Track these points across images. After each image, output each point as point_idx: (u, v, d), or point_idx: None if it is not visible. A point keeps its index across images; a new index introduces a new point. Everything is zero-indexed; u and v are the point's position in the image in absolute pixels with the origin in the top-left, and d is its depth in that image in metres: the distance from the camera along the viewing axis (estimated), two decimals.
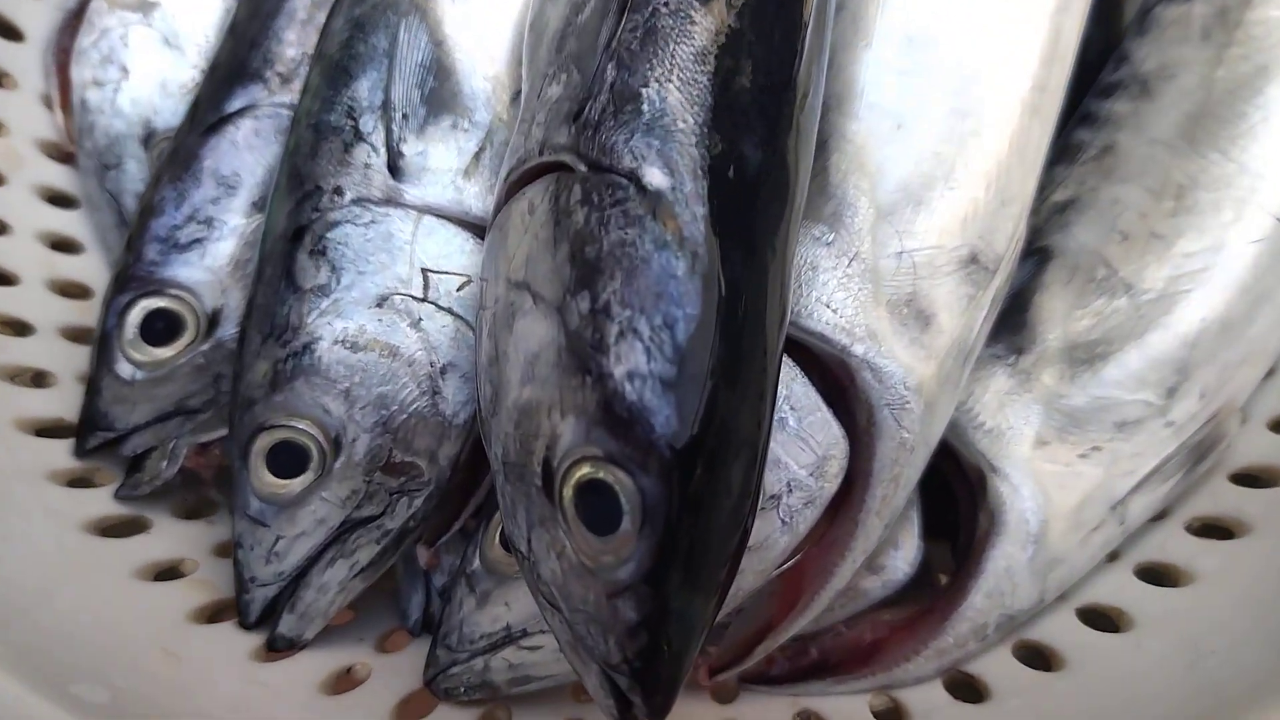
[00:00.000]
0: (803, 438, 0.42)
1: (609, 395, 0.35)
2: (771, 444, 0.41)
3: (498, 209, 0.43)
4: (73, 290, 0.60)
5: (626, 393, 0.35)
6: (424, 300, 0.47)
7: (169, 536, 0.52)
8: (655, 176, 0.38)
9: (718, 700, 0.50)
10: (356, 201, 0.47)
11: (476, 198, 0.49)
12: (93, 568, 0.48)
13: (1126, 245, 0.50)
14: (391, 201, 0.47)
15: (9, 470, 0.50)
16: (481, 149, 0.49)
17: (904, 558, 0.49)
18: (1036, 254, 0.52)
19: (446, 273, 0.47)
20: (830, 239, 0.44)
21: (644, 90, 0.39)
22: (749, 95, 0.40)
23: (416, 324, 0.46)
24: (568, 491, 0.36)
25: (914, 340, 0.44)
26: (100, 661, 0.42)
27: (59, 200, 0.63)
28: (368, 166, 0.48)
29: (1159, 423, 0.49)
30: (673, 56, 0.40)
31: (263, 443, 0.46)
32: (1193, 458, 0.50)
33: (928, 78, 0.46)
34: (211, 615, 0.49)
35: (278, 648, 0.48)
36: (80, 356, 0.56)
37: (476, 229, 0.48)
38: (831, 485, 0.43)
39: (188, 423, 0.53)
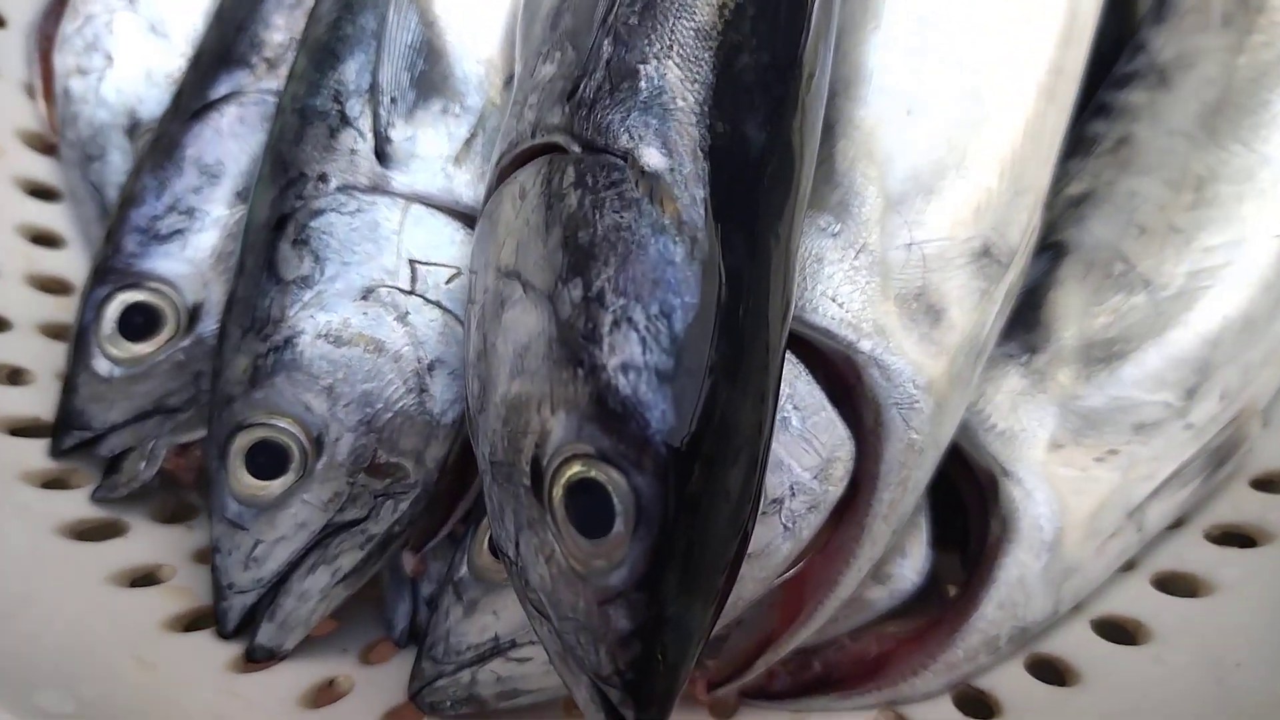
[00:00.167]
0: (807, 438, 0.41)
1: (602, 389, 0.34)
2: (774, 445, 0.40)
3: (488, 195, 0.41)
4: (53, 285, 0.59)
5: (620, 386, 0.34)
6: (411, 293, 0.45)
7: (147, 541, 0.51)
8: (653, 157, 0.37)
9: (716, 716, 0.48)
10: (342, 189, 0.46)
11: (467, 186, 0.47)
12: (66, 572, 0.46)
13: (1145, 240, 0.49)
14: (378, 189, 0.46)
15: None
16: (473, 135, 0.48)
17: (912, 566, 0.47)
18: (1051, 249, 0.50)
19: (435, 264, 0.45)
20: (837, 229, 0.43)
21: (642, 67, 0.38)
22: (752, 74, 0.38)
23: (403, 318, 0.45)
24: (557, 491, 0.34)
25: (924, 336, 0.42)
26: (69, 670, 0.40)
27: (40, 193, 0.62)
28: (354, 153, 0.46)
29: (1178, 425, 0.47)
30: (672, 32, 0.38)
31: (241, 442, 0.44)
32: (1213, 462, 0.48)
33: (939, 61, 0.45)
34: (189, 624, 0.47)
35: (257, 658, 0.46)
36: (59, 353, 0.54)
37: (467, 219, 0.47)
38: (836, 489, 0.41)
39: (167, 422, 0.51)
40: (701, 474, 0.33)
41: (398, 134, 0.46)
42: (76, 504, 0.50)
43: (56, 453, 0.51)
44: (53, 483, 0.51)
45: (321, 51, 0.48)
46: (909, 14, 0.45)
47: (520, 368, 0.36)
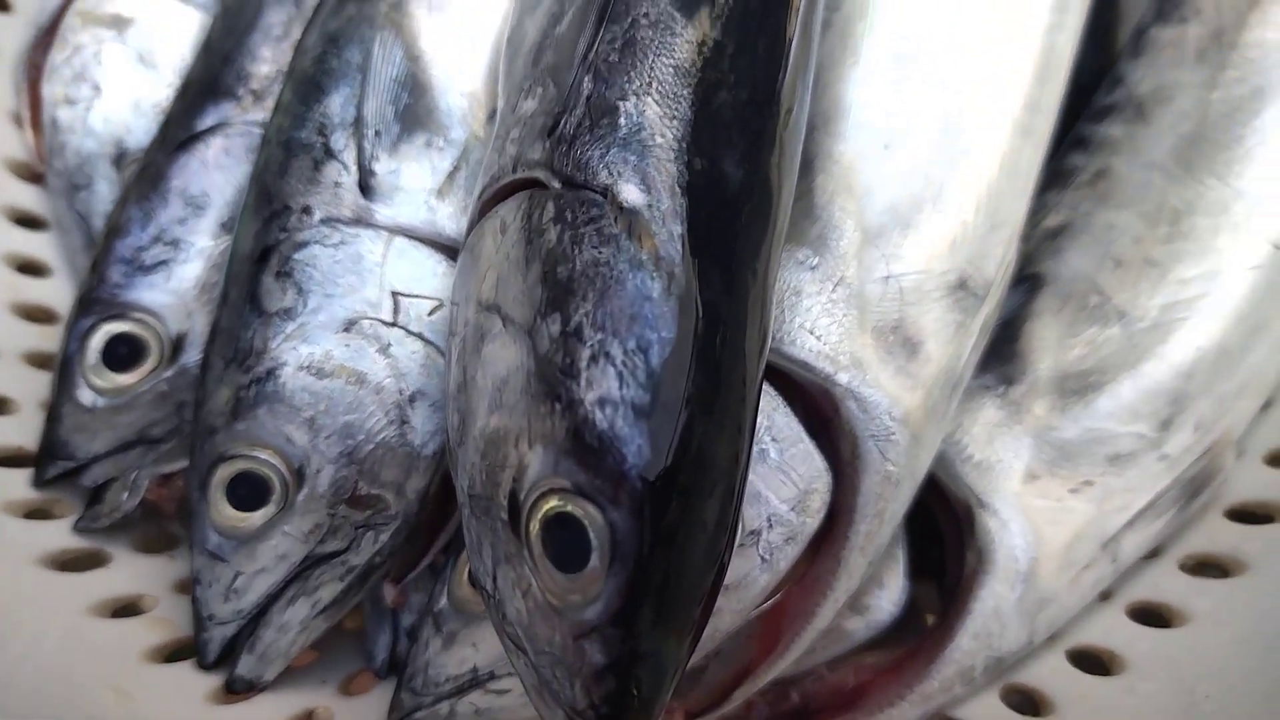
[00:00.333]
0: (784, 470, 0.41)
1: (579, 423, 0.34)
2: (752, 477, 0.40)
3: (470, 229, 0.42)
4: (38, 314, 0.59)
5: (597, 421, 0.34)
6: (394, 325, 0.45)
7: (129, 571, 0.51)
8: (631, 193, 0.37)
9: None
10: (325, 221, 0.46)
11: (450, 218, 0.48)
12: (48, 603, 0.46)
13: (1120, 272, 0.49)
14: (361, 221, 0.46)
15: None
16: (456, 168, 0.48)
17: (889, 597, 0.47)
18: (1028, 281, 0.51)
19: (417, 296, 0.46)
20: (815, 263, 0.43)
21: (621, 104, 0.38)
22: (730, 110, 0.39)
23: (385, 350, 0.45)
24: (534, 526, 0.35)
25: (900, 369, 0.42)
26: (47, 701, 0.40)
27: (27, 221, 0.62)
28: (338, 185, 0.46)
29: (1153, 456, 0.47)
30: (652, 69, 0.39)
31: (222, 474, 0.44)
32: (1187, 493, 0.49)
33: (917, 97, 0.45)
34: (169, 655, 0.47)
35: (236, 689, 0.46)
36: (44, 383, 0.54)
37: (450, 251, 0.47)
38: (814, 520, 0.41)
39: (150, 453, 0.51)
40: (677, 508, 0.33)
41: (382, 167, 0.47)
42: (59, 534, 0.50)
43: (40, 482, 0.51)
44: (35, 513, 0.51)
45: (307, 84, 0.49)
46: (887, 50, 0.46)
47: (499, 401, 0.37)
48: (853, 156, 0.44)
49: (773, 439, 0.41)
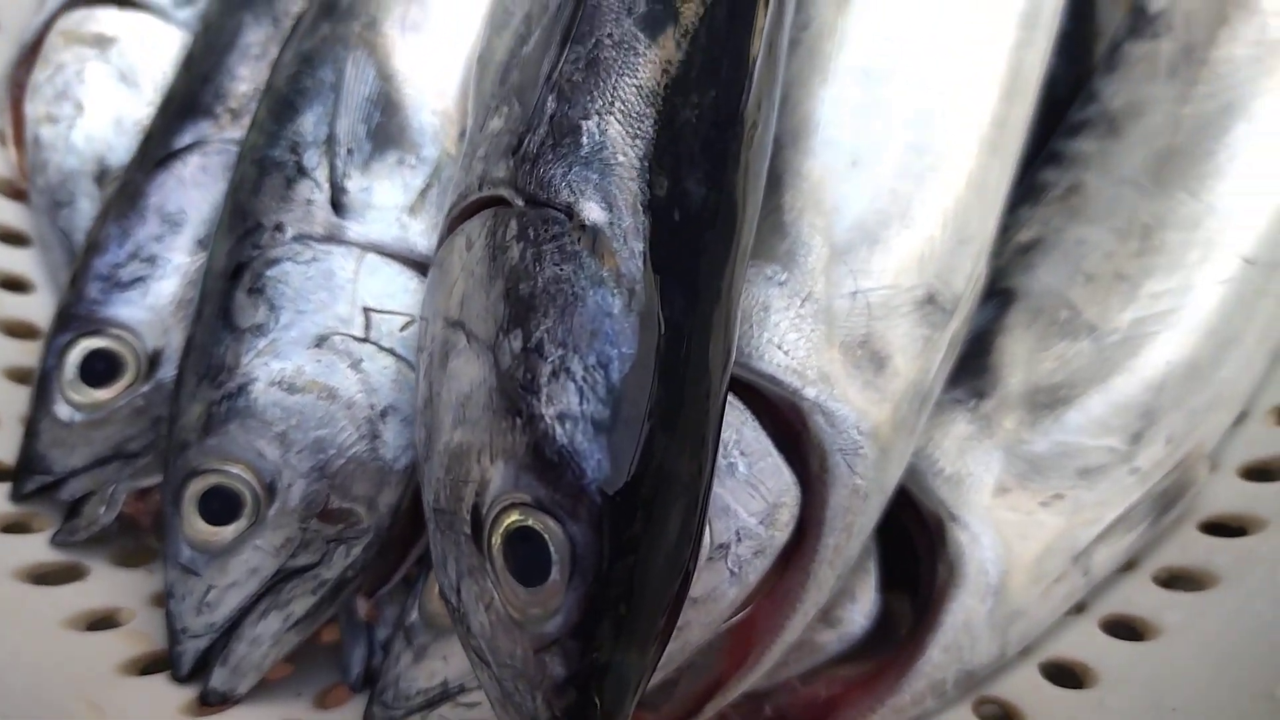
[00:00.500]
0: (753, 484, 0.41)
1: (539, 438, 0.34)
2: (720, 491, 0.40)
3: (440, 245, 0.42)
4: (20, 330, 0.59)
5: (557, 435, 0.34)
6: (365, 340, 0.46)
7: (106, 585, 0.51)
8: (593, 211, 0.37)
9: None
10: (297, 238, 0.46)
11: (422, 235, 0.48)
12: (24, 616, 0.46)
13: (1091, 287, 0.50)
14: (333, 239, 0.47)
15: None
16: (428, 185, 0.49)
17: (861, 610, 0.47)
18: (999, 296, 0.51)
19: (389, 312, 0.46)
20: (783, 278, 0.44)
21: (584, 123, 0.39)
22: (693, 130, 0.39)
23: (357, 365, 0.45)
24: (496, 540, 0.35)
25: (868, 383, 0.43)
26: (18, 712, 0.40)
27: (9, 238, 0.62)
28: (310, 202, 0.47)
29: (1123, 469, 0.47)
30: (615, 89, 0.39)
31: (195, 488, 0.44)
32: (1159, 506, 0.49)
33: (885, 114, 0.46)
34: (144, 667, 0.47)
35: (210, 702, 0.46)
36: (25, 398, 0.54)
37: (422, 267, 0.47)
38: (782, 534, 0.42)
39: (127, 467, 0.51)
40: (638, 522, 0.34)
41: (354, 184, 0.47)
42: (36, 548, 0.50)
43: (17, 496, 0.51)
44: (13, 526, 0.51)
45: (280, 103, 0.49)
46: (855, 69, 0.46)
47: (462, 417, 0.37)
48: (821, 173, 0.45)
49: (741, 453, 0.42)
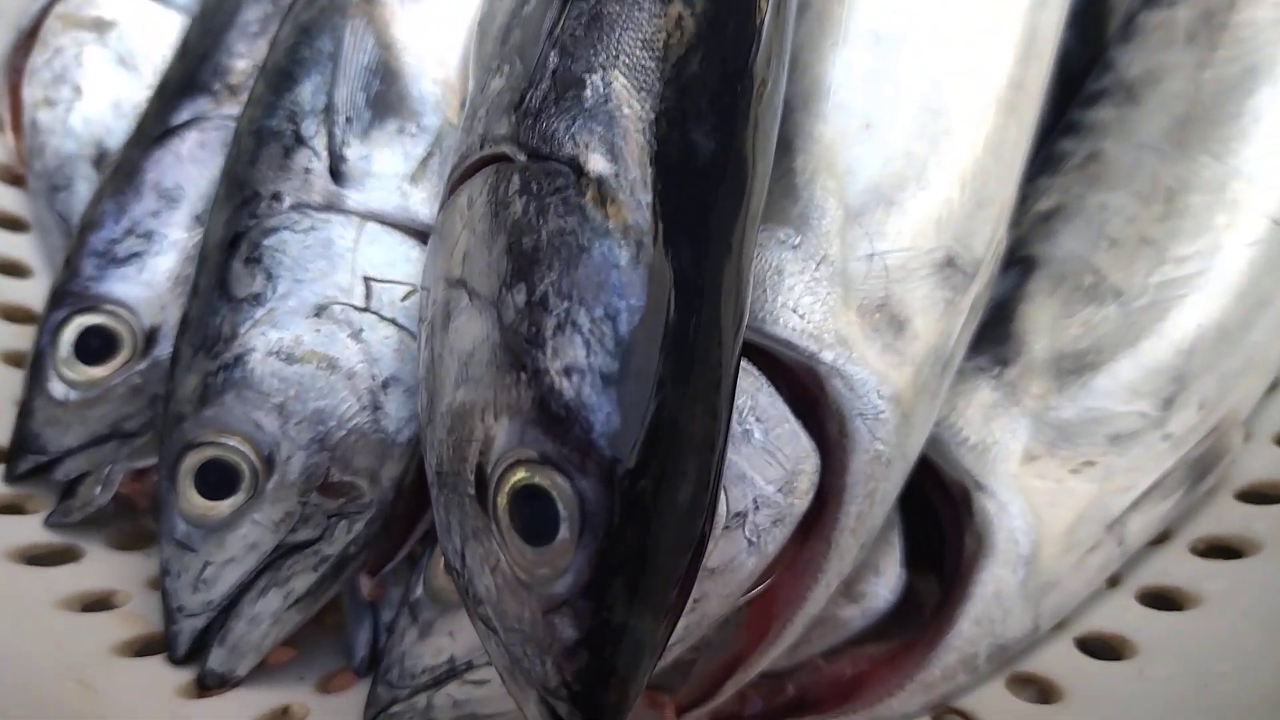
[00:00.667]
0: (770, 451, 0.40)
1: (544, 392, 0.33)
2: (736, 458, 0.39)
3: (440, 210, 0.41)
4: (17, 314, 0.58)
5: (564, 389, 0.33)
6: (366, 310, 0.44)
7: (101, 567, 0.49)
8: (598, 163, 0.36)
9: None
10: (295, 207, 0.45)
11: (424, 204, 0.47)
12: (15, 596, 0.45)
13: (1115, 251, 0.48)
14: (332, 207, 0.46)
15: None
16: (430, 154, 0.48)
17: (885, 584, 0.45)
18: (1020, 264, 0.50)
19: (390, 281, 0.45)
20: (797, 242, 0.42)
21: (588, 76, 0.38)
22: (701, 84, 0.38)
23: (357, 335, 0.44)
24: (501, 499, 0.34)
25: (887, 346, 0.41)
26: (6, 690, 0.39)
27: (7, 223, 0.61)
28: (308, 171, 0.46)
29: (1155, 435, 0.46)
30: (619, 42, 0.38)
31: (190, 461, 0.43)
32: (1194, 473, 0.47)
33: (898, 75, 0.45)
34: (140, 649, 0.46)
35: (208, 684, 0.45)
36: (21, 382, 0.53)
37: (423, 237, 0.46)
38: (802, 502, 0.40)
39: (123, 447, 0.50)
40: (650, 477, 0.32)
41: (353, 153, 0.46)
42: (30, 529, 0.49)
43: (11, 477, 0.50)
44: (7, 508, 0.50)
45: (278, 75, 0.48)
46: (866, 30, 0.45)
47: (465, 375, 0.36)
48: (833, 136, 0.44)
49: (757, 419, 0.40)
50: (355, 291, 0.44)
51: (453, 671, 0.43)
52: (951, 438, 0.46)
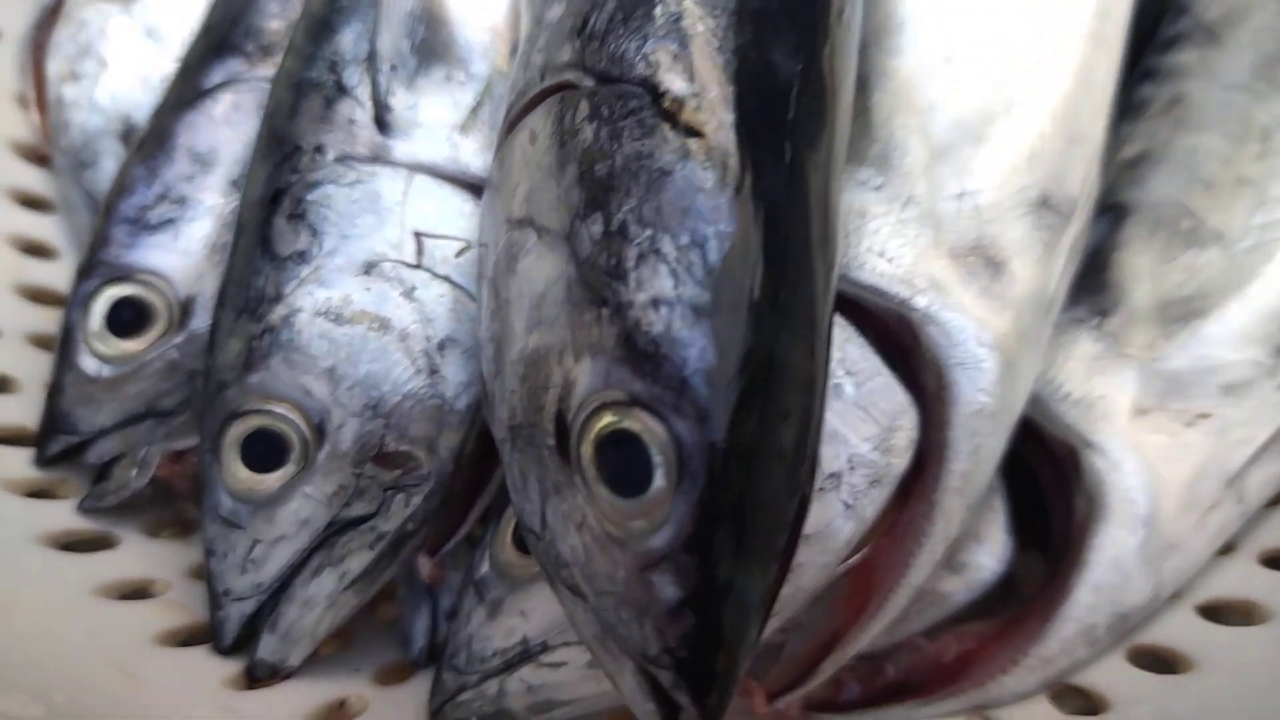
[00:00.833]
0: (863, 407, 0.36)
1: (630, 328, 0.30)
2: (828, 414, 0.35)
3: (497, 152, 0.38)
4: (43, 296, 0.56)
5: (651, 323, 0.30)
6: (418, 267, 0.41)
7: (139, 554, 0.46)
8: (674, 83, 0.33)
9: None
10: (340, 160, 0.42)
11: (475, 154, 0.44)
12: (49, 583, 0.42)
13: (1212, 194, 0.45)
14: (379, 159, 0.43)
15: None
16: (479, 103, 0.45)
17: (990, 552, 0.41)
18: (1111, 211, 0.47)
19: (442, 236, 0.42)
20: (879, 183, 0.40)
21: None
22: (777, 2, 0.35)
23: (409, 293, 0.41)
24: (586, 448, 0.31)
25: (984, 290, 0.38)
26: (44, 677, 0.36)
27: (32, 204, 0.59)
28: (352, 122, 0.43)
29: (1270, 385, 0.42)
30: None
31: (236, 431, 0.40)
32: None
33: (979, 6, 0.42)
34: (184, 639, 0.43)
35: (258, 675, 0.42)
36: (49, 364, 0.50)
37: (475, 190, 0.43)
38: (900, 461, 0.36)
39: (160, 426, 0.47)
40: (752, 417, 0.29)
41: (399, 102, 0.43)
42: (63, 515, 0.46)
43: (42, 461, 0.47)
44: (39, 493, 0.47)
45: (317, 24, 0.46)
46: None
47: (537, 318, 0.33)
48: (911, 71, 0.41)
49: (847, 372, 0.37)
50: (406, 247, 0.41)
51: (526, 654, 0.39)
52: (1052, 394, 0.43)
